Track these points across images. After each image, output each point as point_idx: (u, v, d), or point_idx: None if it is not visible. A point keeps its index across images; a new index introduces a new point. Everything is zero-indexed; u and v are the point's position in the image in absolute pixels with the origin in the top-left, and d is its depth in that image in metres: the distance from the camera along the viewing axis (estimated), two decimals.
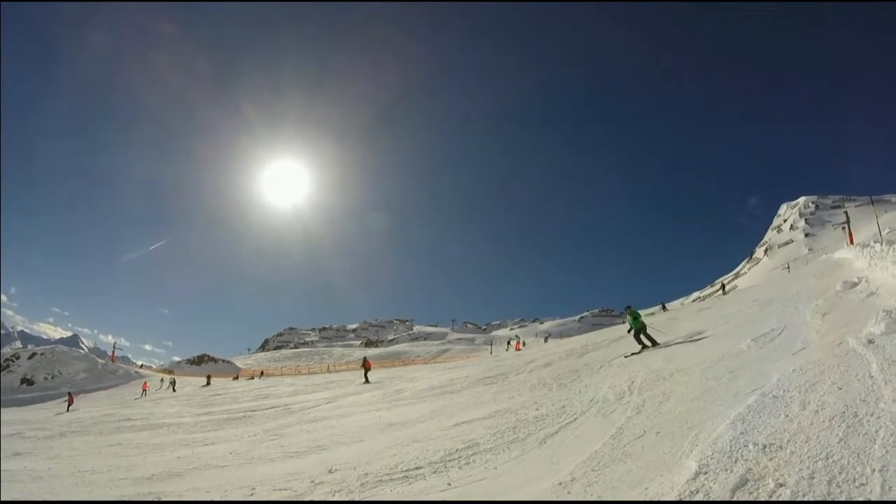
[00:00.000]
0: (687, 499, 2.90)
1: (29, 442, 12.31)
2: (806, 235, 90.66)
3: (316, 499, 5.38)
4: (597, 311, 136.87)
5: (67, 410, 25.00)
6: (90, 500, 6.40)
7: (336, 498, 5.24)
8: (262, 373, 49.74)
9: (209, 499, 5.88)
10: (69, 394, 28.70)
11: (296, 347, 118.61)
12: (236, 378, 44.25)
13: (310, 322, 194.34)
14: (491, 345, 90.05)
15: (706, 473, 3.13)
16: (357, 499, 5.12)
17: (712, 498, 2.84)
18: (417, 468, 5.88)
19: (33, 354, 46.17)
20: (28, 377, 42.26)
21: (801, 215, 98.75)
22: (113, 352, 54.96)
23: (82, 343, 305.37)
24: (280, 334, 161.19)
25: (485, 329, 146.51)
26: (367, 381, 23.57)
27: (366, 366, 26.19)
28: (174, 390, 32.59)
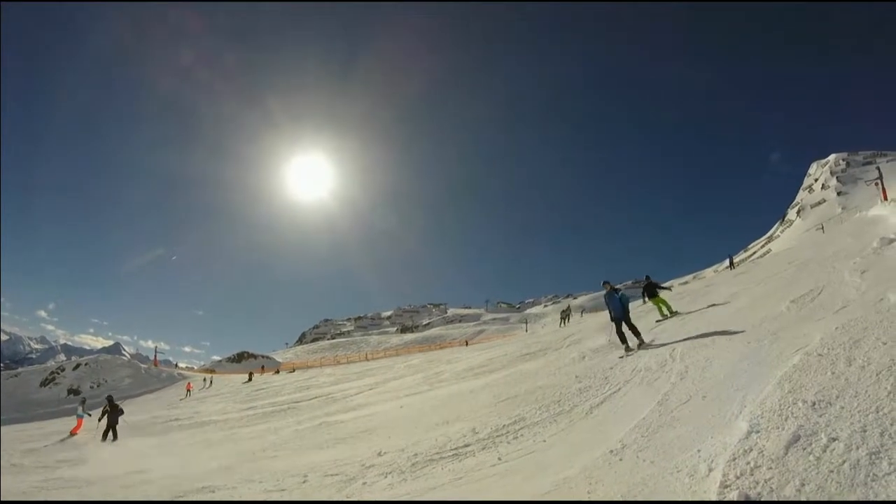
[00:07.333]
0: (741, 456, 2.96)
1: (81, 448, 12.24)
2: (838, 194, 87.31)
3: (368, 481, 5.56)
4: (629, 282, 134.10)
5: None
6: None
7: (387, 479, 5.41)
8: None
9: (263, 489, 6.06)
10: None
11: (333, 338, 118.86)
12: (277, 372, 45.78)
13: (344, 312, 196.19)
14: (526, 323, 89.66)
15: (758, 432, 3.17)
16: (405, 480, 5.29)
17: (766, 455, 2.90)
18: (466, 445, 6.01)
19: (77, 365, 47.53)
20: (74, 388, 43.48)
21: (832, 173, 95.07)
22: (155, 356, 56.72)
23: (124, 350, 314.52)
24: (316, 326, 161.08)
25: (518, 307, 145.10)
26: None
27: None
28: (210, 385, 35.15)
